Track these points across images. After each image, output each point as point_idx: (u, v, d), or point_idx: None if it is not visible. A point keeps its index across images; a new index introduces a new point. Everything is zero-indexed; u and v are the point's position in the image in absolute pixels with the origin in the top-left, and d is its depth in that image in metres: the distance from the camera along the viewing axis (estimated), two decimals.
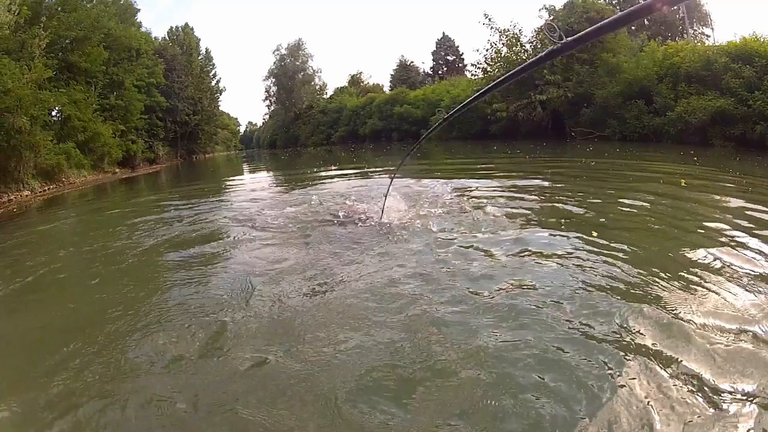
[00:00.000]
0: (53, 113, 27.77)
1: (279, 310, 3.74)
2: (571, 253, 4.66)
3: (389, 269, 4.42)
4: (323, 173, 17.36)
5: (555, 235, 5.39)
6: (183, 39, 60.43)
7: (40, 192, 22.35)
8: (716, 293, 3.61)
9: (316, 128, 72.50)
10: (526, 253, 4.70)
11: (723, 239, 5.00)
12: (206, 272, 4.84)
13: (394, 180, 6.53)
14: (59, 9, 30.95)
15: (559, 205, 7.16)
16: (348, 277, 4.32)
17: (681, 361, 2.74)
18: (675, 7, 40.81)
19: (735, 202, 7.00)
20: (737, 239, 4.97)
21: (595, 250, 4.79)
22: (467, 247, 4.95)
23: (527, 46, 33.05)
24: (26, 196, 21.11)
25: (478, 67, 37.58)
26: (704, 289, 3.69)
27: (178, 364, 3.08)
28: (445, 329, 3.23)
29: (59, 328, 3.89)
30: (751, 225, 5.47)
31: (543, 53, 2.26)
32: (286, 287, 4.20)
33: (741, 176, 10.02)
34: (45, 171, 24.21)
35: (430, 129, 5.27)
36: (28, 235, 9.41)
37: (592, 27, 1.92)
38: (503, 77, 2.84)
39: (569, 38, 2.04)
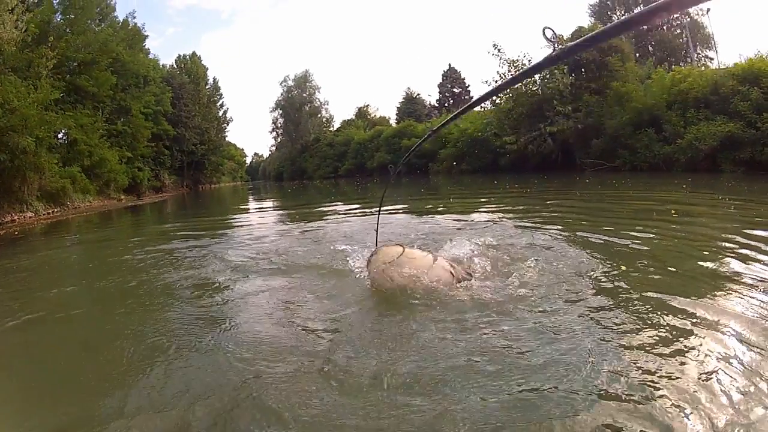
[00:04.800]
0: (59, 136, 27.77)
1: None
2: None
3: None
4: (329, 208, 16.80)
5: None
6: (191, 67, 61.23)
7: (44, 215, 22.09)
8: None
9: (323, 161, 72.57)
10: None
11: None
12: (220, 329, 4.18)
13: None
14: (67, 30, 31.45)
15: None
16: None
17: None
18: (678, 31, 41.65)
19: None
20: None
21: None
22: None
23: (536, 77, 32.86)
24: (29, 217, 20.86)
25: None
26: None
27: None
28: None
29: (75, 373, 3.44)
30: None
31: (541, 59, 1.93)
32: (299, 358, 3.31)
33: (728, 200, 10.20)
34: (50, 194, 24.03)
35: (417, 143, 4.77)
36: (30, 263, 8.95)
37: (590, 34, 1.66)
38: (498, 86, 2.48)
39: (569, 44, 1.77)
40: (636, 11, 1.61)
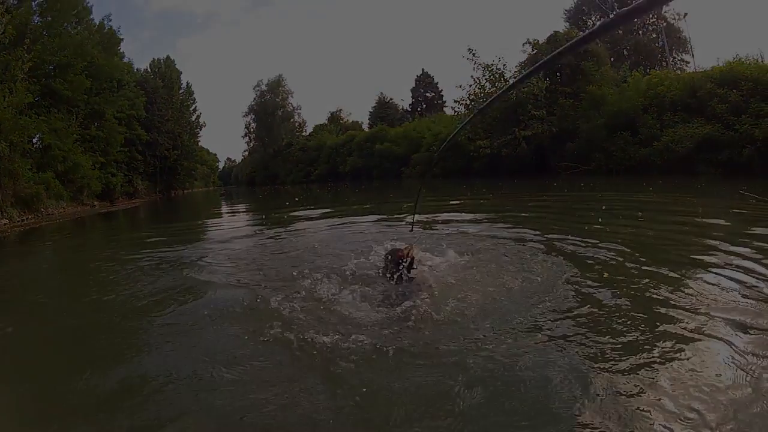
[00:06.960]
0: (34, 141, 27.21)
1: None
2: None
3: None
4: (300, 213, 16.76)
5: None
6: (165, 71, 60.04)
7: (18, 222, 21.53)
8: None
9: (296, 166, 72.25)
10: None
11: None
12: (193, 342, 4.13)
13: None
14: (44, 33, 30.76)
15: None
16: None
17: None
18: (654, 35, 42.07)
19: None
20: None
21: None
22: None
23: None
24: (4, 224, 20.35)
25: (461, 104, 37.66)
26: None
27: None
28: None
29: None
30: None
31: (595, 27, 1.79)
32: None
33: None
34: (23, 200, 23.46)
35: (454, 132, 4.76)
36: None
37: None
38: (547, 58, 2.28)
39: (623, 9, 1.68)
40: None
